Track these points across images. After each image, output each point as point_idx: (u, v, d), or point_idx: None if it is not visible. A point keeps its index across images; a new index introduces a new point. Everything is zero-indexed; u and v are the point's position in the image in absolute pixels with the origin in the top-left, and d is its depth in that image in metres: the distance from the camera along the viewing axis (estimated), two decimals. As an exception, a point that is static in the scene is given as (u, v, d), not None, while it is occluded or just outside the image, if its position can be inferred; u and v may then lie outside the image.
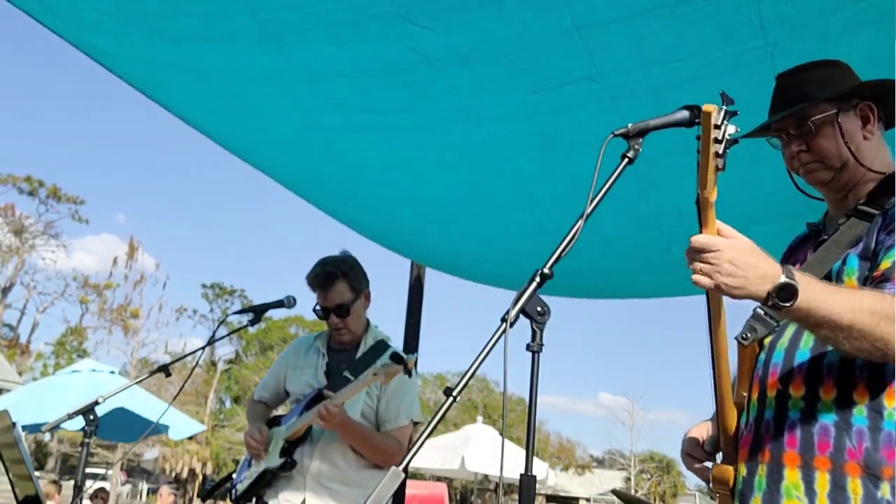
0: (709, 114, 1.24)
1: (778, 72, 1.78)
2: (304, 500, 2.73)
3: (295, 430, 2.76)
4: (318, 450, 2.78)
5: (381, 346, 2.91)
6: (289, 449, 2.79)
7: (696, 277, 1.33)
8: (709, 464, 1.76)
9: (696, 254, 1.33)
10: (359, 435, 2.72)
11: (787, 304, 1.32)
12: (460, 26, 2.39)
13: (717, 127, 1.25)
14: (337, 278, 2.82)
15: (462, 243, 4.21)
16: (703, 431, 1.81)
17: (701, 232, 1.34)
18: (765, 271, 1.32)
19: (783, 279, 1.31)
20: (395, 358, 2.48)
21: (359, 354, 2.88)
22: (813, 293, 1.33)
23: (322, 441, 2.77)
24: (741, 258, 1.31)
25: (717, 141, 1.25)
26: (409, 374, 2.55)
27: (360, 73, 2.69)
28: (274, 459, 2.79)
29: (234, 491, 2.91)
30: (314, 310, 2.89)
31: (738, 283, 1.31)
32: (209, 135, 3.54)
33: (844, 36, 2.20)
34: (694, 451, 1.80)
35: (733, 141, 1.27)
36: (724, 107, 1.28)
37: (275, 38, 2.57)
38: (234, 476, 2.98)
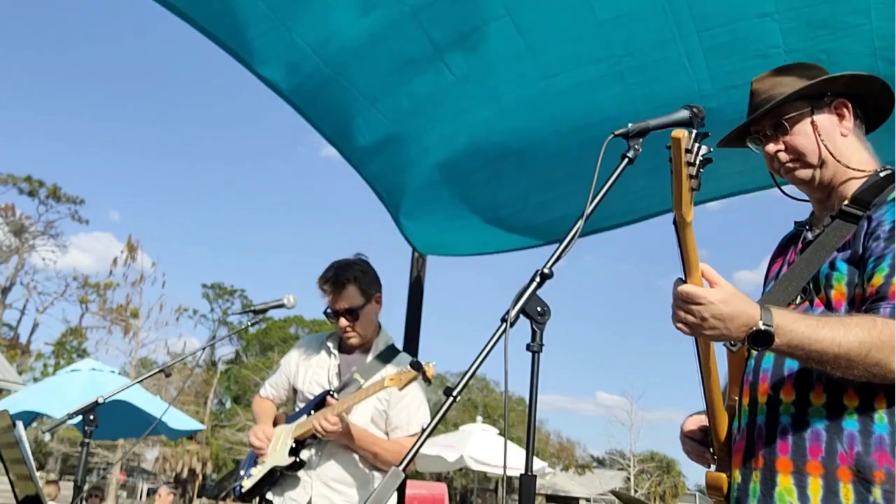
0: (678, 139, 1.26)
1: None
2: (309, 500, 2.72)
3: (304, 430, 2.75)
4: (326, 451, 2.77)
5: (392, 350, 2.93)
6: (297, 448, 2.79)
7: (678, 325, 1.38)
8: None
9: (683, 303, 1.36)
10: (363, 442, 2.70)
11: (761, 349, 1.37)
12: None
13: (689, 151, 1.26)
14: (347, 283, 2.82)
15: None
16: (699, 419, 1.79)
17: (686, 278, 1.37)
18: (745, 320, 1.35)
19: (759, 327, 1.35)
20: (415, 365, 2.47)
21: (370, 358, 2.88)
22: (794, 333, 1.36)
23: (331, 442, 2.76)
24: (724, 311, 1.34)
25: (689, 164, 1.26)
26: (429, 382, 2.52)
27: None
28: (283, 458, 2.78)
29: (238, 487, 2.90)
30: (325, 312, 2.89)
31: (717, 333, 1.38)
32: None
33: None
34: (692, 432, 1.78)
35: (707, 160, 1.28)
36: (695, 129, 1.30)
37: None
38: (241, 472, 2.96)
